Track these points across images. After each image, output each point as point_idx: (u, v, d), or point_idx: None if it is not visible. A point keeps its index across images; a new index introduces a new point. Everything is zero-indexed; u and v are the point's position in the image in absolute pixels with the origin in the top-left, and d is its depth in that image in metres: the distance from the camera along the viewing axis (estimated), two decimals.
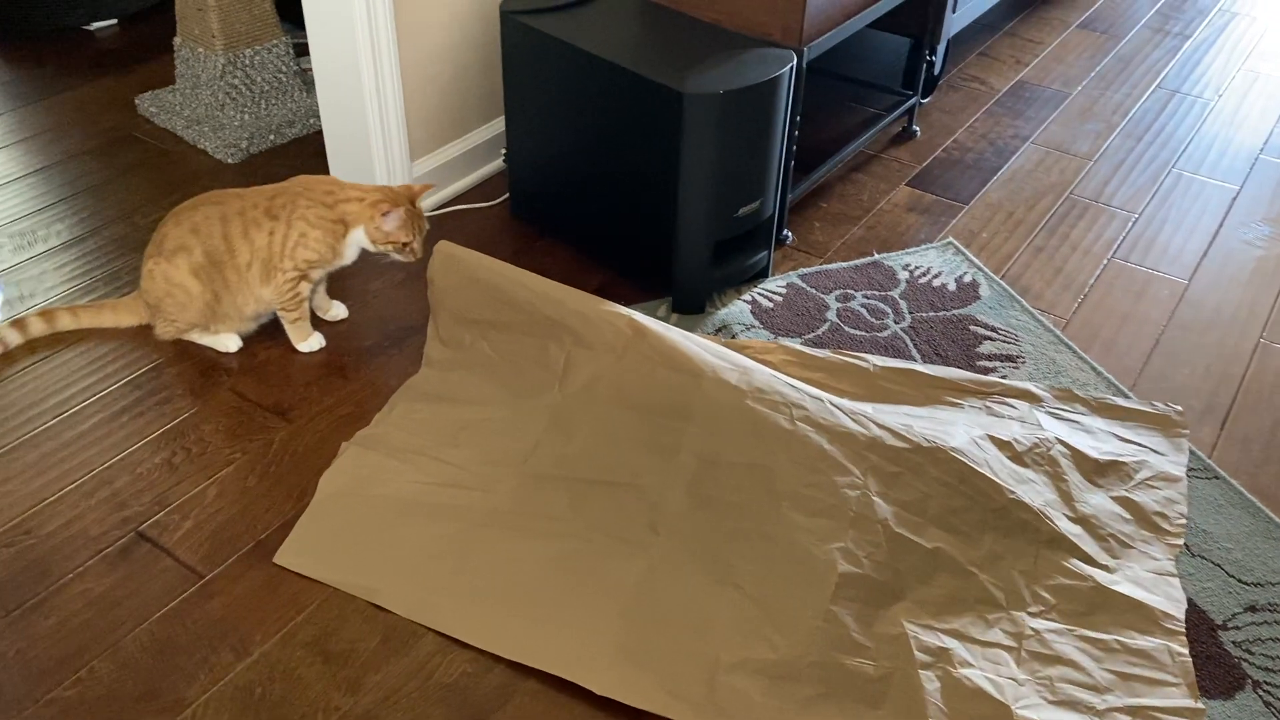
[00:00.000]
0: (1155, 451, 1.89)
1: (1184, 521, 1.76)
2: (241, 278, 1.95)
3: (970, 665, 1.54)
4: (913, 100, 2.79)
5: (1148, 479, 1.83)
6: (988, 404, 1.95)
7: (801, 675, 1.51)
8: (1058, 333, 2.17)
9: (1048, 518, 1.70)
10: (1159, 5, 3.66)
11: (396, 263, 2.26)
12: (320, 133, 2.73)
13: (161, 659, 1.51)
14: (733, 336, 2.12)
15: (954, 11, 2.79)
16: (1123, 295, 2.30)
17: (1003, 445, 1.81)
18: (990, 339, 2.15)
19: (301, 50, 2.91)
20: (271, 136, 2.68)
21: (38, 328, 2.04)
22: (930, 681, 1.51)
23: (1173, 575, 1.68)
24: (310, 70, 2.86)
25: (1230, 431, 1.97)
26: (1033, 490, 1.75)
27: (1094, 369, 2.08)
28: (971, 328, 2.18)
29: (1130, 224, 2.53)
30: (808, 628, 1.56)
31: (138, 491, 1.76)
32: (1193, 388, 2.06)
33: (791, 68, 2.04)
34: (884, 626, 1.58)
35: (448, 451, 1.83)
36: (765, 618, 1.57)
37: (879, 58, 3.18)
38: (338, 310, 2.14)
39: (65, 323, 2.06)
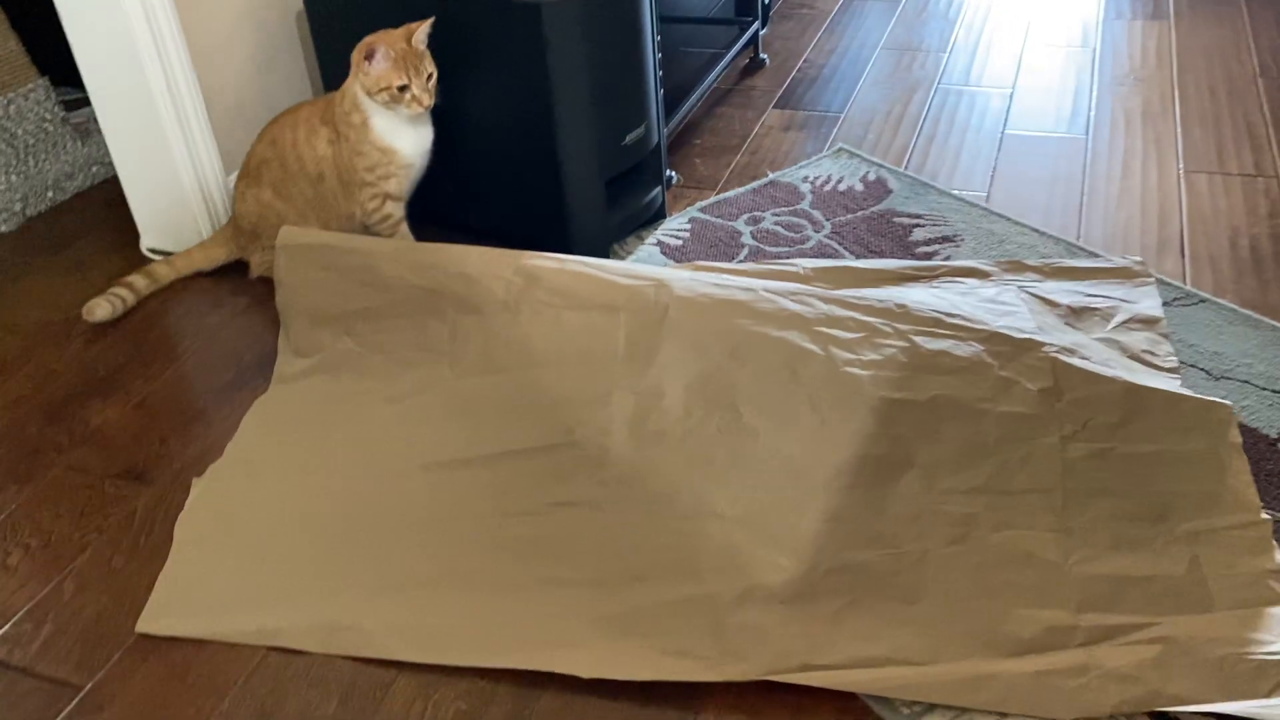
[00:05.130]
0: (1125, 301, 1.72)
1: (1175, 361, 1.59)
2: (316, 190, 1.82)
3: (1008, 527, 1.31)
4: (755, 26, 2.62)
5: (1125, 322, 1.66)
6: (935, 285, 1.75)
7: (819, 589, 1.25)
8: (985, 206, 2.00)
9: (1046, 339, 1.49)
10: None
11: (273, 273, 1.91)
12: (110, 180, 2.33)
13: None
14: None
15: None
16: (1033, 160, 2.16)
17: (966, 295, 1.61)
18: (919, 226, 1.96)
19: (71, 105, 2.50)
20: (50, 194, 2.26)
21: (142, 285, 1.90)
22: (967, 557, 1.27)
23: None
24: (83, 123, 2.46)
25: (1194, 257, 1.83)
26: (1019, 318, 1.54)
27: (1036, 231, 1.92)
28: (895, 219, 1.99)
29: (1009, 98, 2.41)
30: (810, 534, 1.29)
31: None
32: (1139, 225, 1.93)
33: None
34: (899, 507, 1.33)
35: (329, 461, 1.50)
36: (758, 538, 1.30)
37: None
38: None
39: (164, 274, 1.93)
